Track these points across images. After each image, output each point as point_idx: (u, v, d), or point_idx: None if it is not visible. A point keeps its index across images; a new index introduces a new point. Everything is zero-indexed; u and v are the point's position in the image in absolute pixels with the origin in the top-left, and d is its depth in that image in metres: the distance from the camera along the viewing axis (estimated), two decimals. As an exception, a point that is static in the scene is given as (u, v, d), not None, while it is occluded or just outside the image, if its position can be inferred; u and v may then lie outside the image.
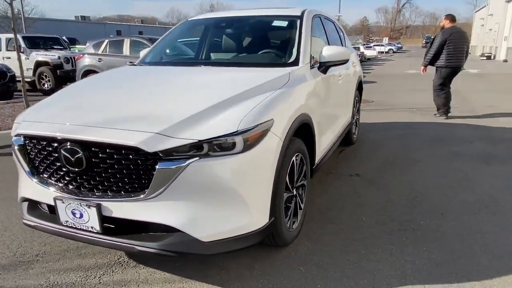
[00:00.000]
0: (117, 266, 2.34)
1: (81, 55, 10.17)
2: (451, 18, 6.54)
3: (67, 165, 1.94)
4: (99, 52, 9.81)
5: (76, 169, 1.92)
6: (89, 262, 2.38)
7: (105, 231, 1.95)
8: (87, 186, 1.96)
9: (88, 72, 9.84)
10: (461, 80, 12.88)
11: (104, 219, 1.94)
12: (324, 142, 3.17)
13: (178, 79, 2.67)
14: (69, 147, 1.91)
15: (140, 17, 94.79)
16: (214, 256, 2.35)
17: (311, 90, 2.77)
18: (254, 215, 1.98)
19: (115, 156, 1.85)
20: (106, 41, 9.91)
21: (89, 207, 1.93)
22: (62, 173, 2.01)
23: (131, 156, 1.83)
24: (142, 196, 1.85)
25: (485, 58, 28.72)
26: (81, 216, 1.97)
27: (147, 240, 1.91)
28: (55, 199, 2.00)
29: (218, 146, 1.85)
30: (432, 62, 6.57)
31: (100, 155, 1.88)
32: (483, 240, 2.57)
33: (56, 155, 1.99)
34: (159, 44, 3.58)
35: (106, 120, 1.95)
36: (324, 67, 3.04)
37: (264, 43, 3.27)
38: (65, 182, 2.01)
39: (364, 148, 4.92)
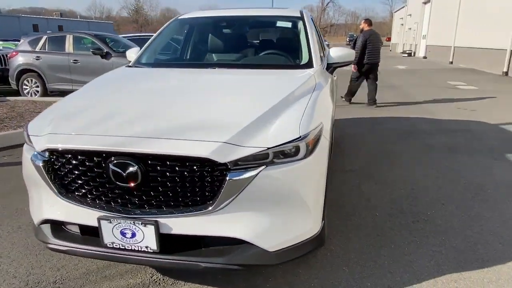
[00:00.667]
0: (154, 285, 2.17)
1: (14, 53, 9.17)
2: (369, 22, 7.82)
3: (116, 181, 1.75)
4: (37, 49, 8.93)
5: (129, 185, 1.75)
6: (120, 284, 2.18)
7: (162, 249, 1.81)
8: (141, 202, 1.79)
9: (24, 72, 8.93)
10: (395, 76, 13.95)
11: (161, 237, 1.79)
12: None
13: (207, 82, 2.54)
14: (120, 161, 1.73)
15: (57, 10, 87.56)
16: (255, 266, 2.28)
17: (331, 91, 2.81)
18: (314, 220, 1.97)
19: (177, 169, 1.72)
20: (45, 37, 9.05)
21: (145, 225, 1.77)
22: (107, 190, 1.81)
23: (196, 168, 1.71)
24: (209, 209, 1.74)
25: (406, 55, 31.17)
26: (133, 235, 1.80)
27: (211, 256, 1.81)
28: (99, 219, 1.80)
29: (283, 153, 1.80)
30: (360, 60, 7.61)
31: (159, 168, 1.72)
32: (488, 226, 2.82)
33: (100, 170, 1.79)
34: (155, 43, 3.36)
35: (162, 130, 1.79)
36: (331, 68, 3.10)
37: (272, 44, 3.24)
38: (113, 199, 1.82)
39: (345, 144, 5.10)
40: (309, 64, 2.84)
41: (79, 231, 1.98)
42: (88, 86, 2.63)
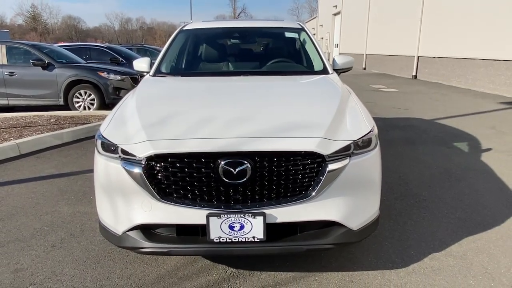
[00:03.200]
0: (233, 278, 2.32)
1: None
2: None
3: (226, 179, 1.90)
4: (-40, 61, 7.97)
5: (238, 181, 1.91)
6: (201, 283, 2.29)
7: (268, 238, 1.99)
8: (249, 196, 1.96)
9: None
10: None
11: (267, 227, 1.98)
12: None
13: (259, 88, 2.75)
14: (232, 160, 1.88)
15: None
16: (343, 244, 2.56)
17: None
18: (379, 200, 2.31)
19: (282, 163, 1.93)
20: (-30, 47, 8.12)
21: (254, 217, 1.94)
22: (216, 188, 1.95)
23: (299, 161, 1.95)
24: (312, 195, 1.98)
25: (321, 62, 33.78)
26: (242, 228, 1.96)
27: (310, 239, 2.05)
28: (208, 216, 1.93)
29: (359, 145, 2.12)
30: None
31: (266, 164, 1.92)
32: (473, 199, 3.45)
33: (208, 170, 1.92)
34: (170, 53, 3.43)
35: (265, 130, 2.00)
36: (338, 73, 3.50)
37: (283, 53, 3.53)
38: (221, 196, 1.96)
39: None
40: (325, 71, 3.20)
41: (174, 233, 2.06)
42: (143, 94, 2.66)
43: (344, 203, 2.08)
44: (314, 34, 30.73)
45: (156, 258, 2.50)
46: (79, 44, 13.66)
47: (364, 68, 22.85)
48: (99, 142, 2.14)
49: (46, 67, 7.94)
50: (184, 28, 3.78)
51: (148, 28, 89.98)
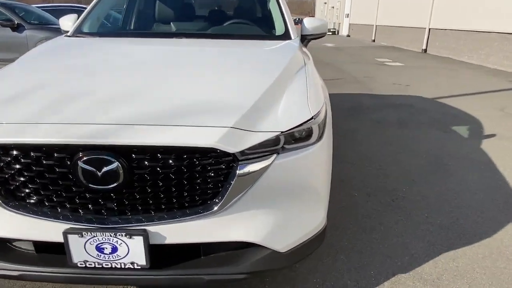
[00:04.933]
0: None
1: None
2: None
3: (87, 183, 1.33)
4: None
5: (106, 187, 1.34)
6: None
7: (153, 264, 1.44)
8: (123, 208, 1.40)
9: None
10: (326, 53, 14.24)
11: (151, 249, 1.42)
12: None
13: (183, 55, 2.12)
14: (94, 157, 1.31)
15: None
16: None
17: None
18: (324, 211, 1.73)
19: (171, 163, 1.35)
20: None
21: (130, 237, 1.38)
22: (75, 194, 1.38)
23: (196, 161, 1.36)
24: (214, 209, 1.41)
25: (330, 33, 32.23)
26: (114, 250, 1.41)
27: (215, 265, 1.49)
28: (66, 233, 1.37)
29: (294, 138, 1.52)
30: None
31: (147, 164, 1.34)
32: (462, 200, 2.85)
33: (64, 170, 1.35)
34: (97, 8, 2.79)
35: (148, 115, 1.40)
36: (306, 40, 2.84)
37: (240, 12, 2.88)
38: (83, 207, 1.40)
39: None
40: (286, 35, 2.55)
41: (33, 249, 1.52)
42: (22, 62, 2.06)
43: (265, 217, 1.50)
44: (325, 3, 29.26)
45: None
46: (61, 5, 12.76)
47: (373, 40, 21.69)
48: None
49: (16, 28, 7.31)
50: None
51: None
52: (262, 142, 1.42)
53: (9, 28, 7.27)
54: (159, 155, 1.34)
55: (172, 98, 1.52)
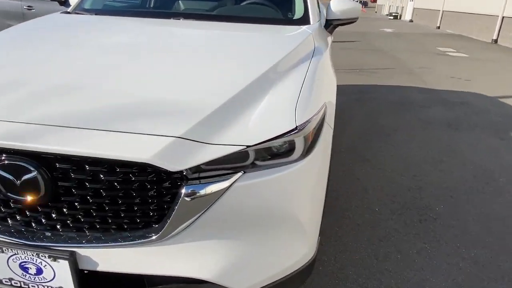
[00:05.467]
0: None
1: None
2: None
3: (5, 191, 1.11)
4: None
5: (25, 198, 1.11)
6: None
7: (84, 293, 1.21)
8: (48, 224, 1.16)
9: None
10: (383, 39, 13.27)
11: (82, 276, 1.18)
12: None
13: (166, 39, 1.84)
14: (11, 162, 1.07)
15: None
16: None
17: (331, 56, 2.17)
18: (309, 244, 1.39)
19: (101, 177, 1.08)
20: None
21: (54, 260, 1.15)
22: (-4, 204, 1.17)
23: (132, 178, 1.09)
24: (152, 237, 1.13)
25: (392, 17, 30.26)
26: (39, 272, 1.18)
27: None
28: (-17, 247, 1.17)
29: (270, 152, 1.19)
30: None
31: (73, 176, 1.09)
32: (508, 228, 2.35)
33: None
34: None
35: (80, 115, 1.14)
36: (331, 26, 2.43)
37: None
38: (2, 219, 1.18)
39: (332, 116, 4.51)
40: (304, 19, 2.17)
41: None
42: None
43: (226, 250, 1.20)
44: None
45: None
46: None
47: (438, 27, 19.98)
48: None
49: (64, 3, 7.42)
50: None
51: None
52: (220, 158, 1.11)
53: (56, 2, 7.40)
54: (87, 166, 1.07)
55: (123, 94, 1.24)
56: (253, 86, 1.32)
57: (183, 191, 1.08)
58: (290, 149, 1.22)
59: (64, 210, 1.13)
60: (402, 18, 29.62)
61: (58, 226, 1.16)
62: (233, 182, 1.13)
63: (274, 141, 1.18)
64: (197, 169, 1.09)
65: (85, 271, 1.18)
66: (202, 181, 1.11)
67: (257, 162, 1.18)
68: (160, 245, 1.15)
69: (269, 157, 1.20)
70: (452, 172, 3.07)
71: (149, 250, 1.16)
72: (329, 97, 1.59)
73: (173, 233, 1.13)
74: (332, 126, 1.54)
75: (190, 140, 1.09)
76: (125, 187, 1.09)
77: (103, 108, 1.17)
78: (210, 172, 1.12)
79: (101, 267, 1.17)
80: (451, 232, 2.28)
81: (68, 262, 1.14)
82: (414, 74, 7.25)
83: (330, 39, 2.42)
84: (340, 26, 2.50)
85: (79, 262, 1.16)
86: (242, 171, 1.15)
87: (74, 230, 1.16)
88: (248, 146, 1.13)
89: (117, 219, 1.14)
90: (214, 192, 1.11)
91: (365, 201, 2.58)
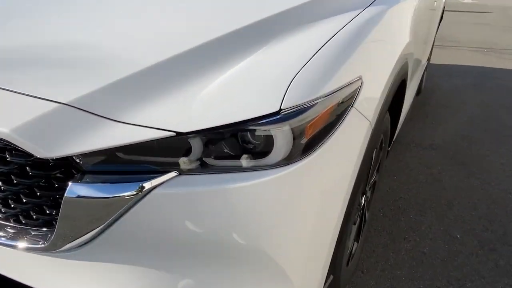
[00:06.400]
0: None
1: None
2: None
3: None
4: None
5: None
6: None
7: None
8: None
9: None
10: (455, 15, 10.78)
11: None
12: (408, 99, 2.00)
13: None
14: None
15: None
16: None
17: (414, 9, 1.52)
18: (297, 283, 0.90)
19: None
20: None
21: None
22: None
23: (8, 157, 0.73)
24: (40, 244, 0.79)
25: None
26: None
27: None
28: None
29: (233, 147, 0.72)
30: None
31: None
32: None
33: None
34: None
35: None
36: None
37: None
38: None
39: (434, 104, 3.65)
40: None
41: None
42: None
43: (143, 279, 0.80)
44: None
45: None
46: None
47: None
48: None
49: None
50: None
51: None
52: (135, 145, 0.68)
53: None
54: None
55: (26, 45, 0.87)
56: (230, 40, 0.84)
57: (68, 190, 0.69)
58: (264, 145, 0.73)
59: None
60: None
61: None
62: (155, 186, 0.70)
63: (236, 127, 0.70)
64: (93, 161, 0.69)
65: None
66: (108, 178, 0.71)
67: (208, 160, 0.73)
68: (55, 257, 0.79)
69: (231, 154, 0.73)
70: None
71: (43, 261, 0.81)
72: (382, 73, 1.01)
73: (68, 245, 0.76)
74: (372, 118, 0.97)
75: (84, 111, 0.68)
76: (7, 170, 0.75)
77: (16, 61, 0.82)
78: (121, 166, 0.71)
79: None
80: None
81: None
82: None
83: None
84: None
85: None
86: (175, 171, 0.71)
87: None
88: (180, 133, 0.68)
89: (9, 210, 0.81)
90: (124, 197, 0.70)
91: (445, 221, 1.91)
